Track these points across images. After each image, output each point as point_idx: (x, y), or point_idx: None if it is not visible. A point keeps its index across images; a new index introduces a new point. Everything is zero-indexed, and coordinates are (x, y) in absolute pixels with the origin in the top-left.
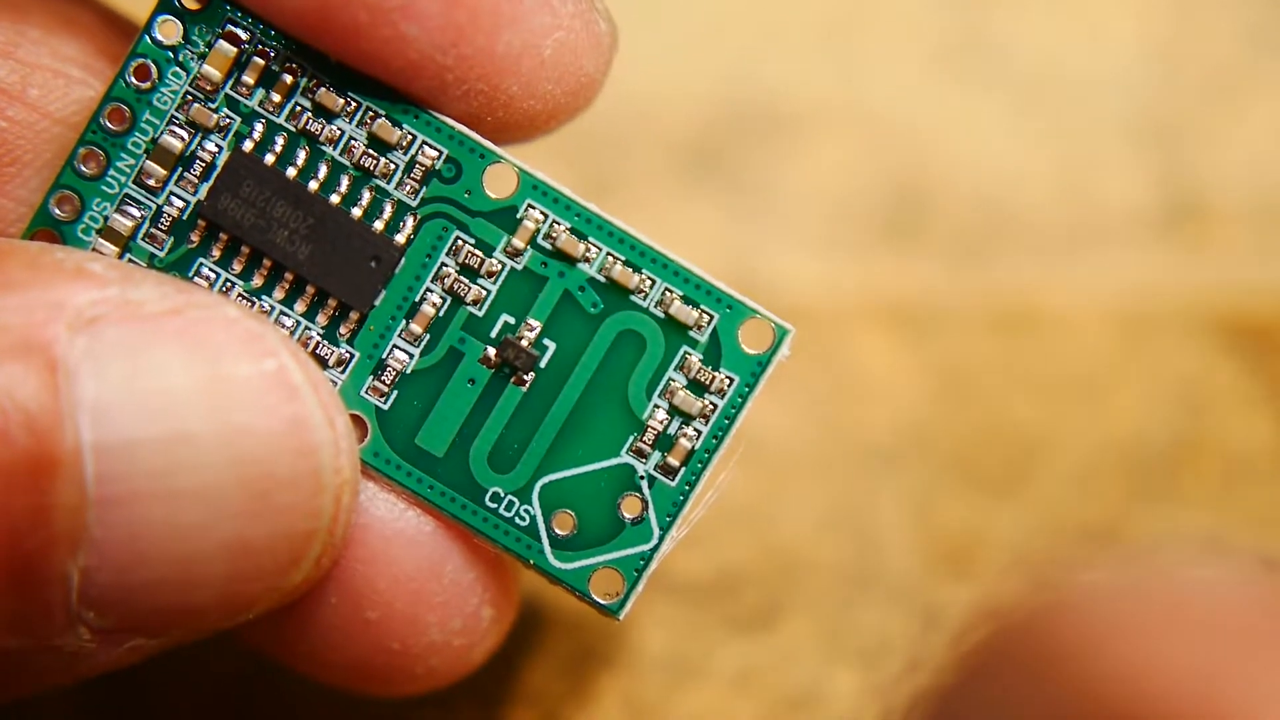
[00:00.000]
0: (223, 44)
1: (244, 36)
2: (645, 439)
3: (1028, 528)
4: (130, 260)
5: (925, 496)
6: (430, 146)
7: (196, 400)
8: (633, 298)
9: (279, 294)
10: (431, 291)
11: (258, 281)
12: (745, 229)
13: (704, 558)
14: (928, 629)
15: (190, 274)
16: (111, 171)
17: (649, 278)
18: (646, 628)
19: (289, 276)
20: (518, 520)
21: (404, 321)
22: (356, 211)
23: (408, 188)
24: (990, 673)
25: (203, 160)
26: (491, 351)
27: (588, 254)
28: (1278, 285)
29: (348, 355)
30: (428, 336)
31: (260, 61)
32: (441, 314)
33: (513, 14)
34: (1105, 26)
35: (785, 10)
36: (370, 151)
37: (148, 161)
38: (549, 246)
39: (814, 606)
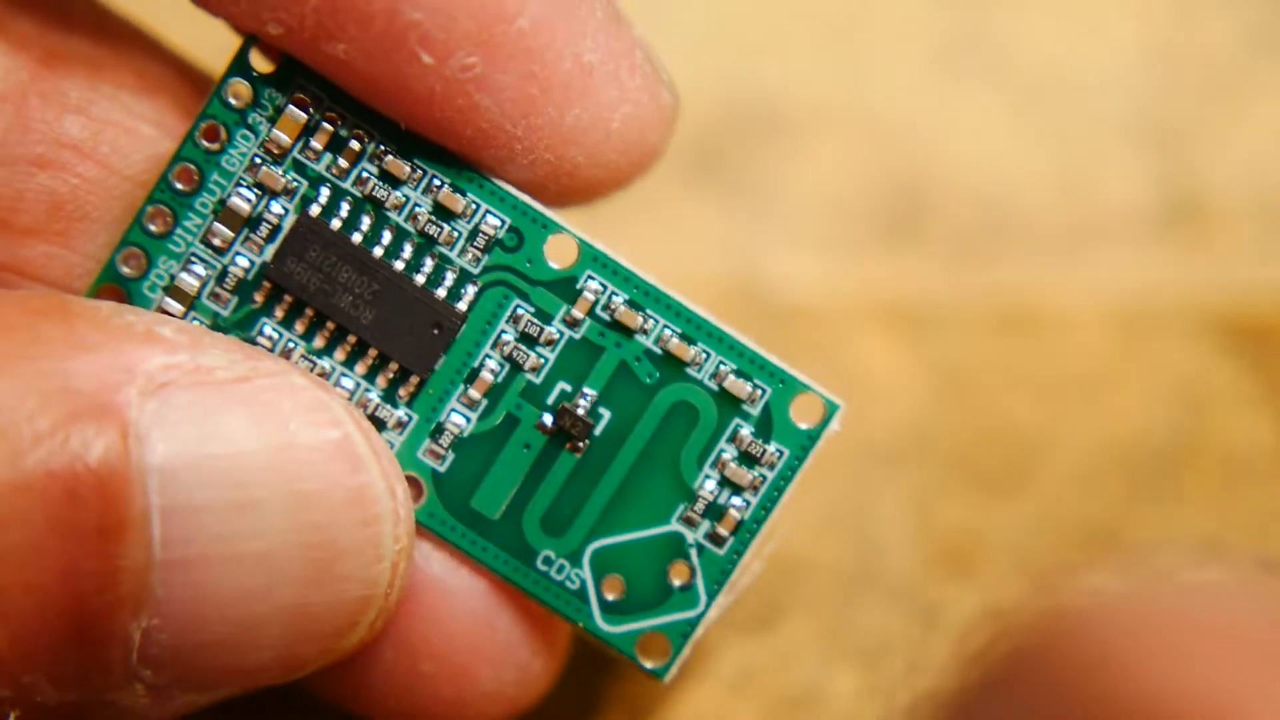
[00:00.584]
0: (292, 109)
1: (313, 102)
2: (696, 508)
3: (1028, 528)
4: (194, 318)
5: (925, 496)
6: (493, 215)
7: (263, 467)
8: (688, 370)
9: (340, 355)
10: (490, 358)
11: (319, 343)
12: (746, 229)
13: None
14: (928, 629)
15: (253, 333)
16: (178, 230)
17: (704, 350)
18: None
19: (351, 339)
20: (568, 583)
21: (463, 386)
22: (419, 278)
23: (470, 255)
24: (1005, 684)
25: (269, 222)
26: (548, 418)
27: (645, 326)
28: (1278, 285)
29: (406, 418)
30: (485, 402)
31: (329, 127)
32: (500, 380)
33: (583, 88)
34: (1105, 27)
35: (786, 11)
36: (434, 219)
37: (215, 222)
38: (607, 318)
39: (814, 606)
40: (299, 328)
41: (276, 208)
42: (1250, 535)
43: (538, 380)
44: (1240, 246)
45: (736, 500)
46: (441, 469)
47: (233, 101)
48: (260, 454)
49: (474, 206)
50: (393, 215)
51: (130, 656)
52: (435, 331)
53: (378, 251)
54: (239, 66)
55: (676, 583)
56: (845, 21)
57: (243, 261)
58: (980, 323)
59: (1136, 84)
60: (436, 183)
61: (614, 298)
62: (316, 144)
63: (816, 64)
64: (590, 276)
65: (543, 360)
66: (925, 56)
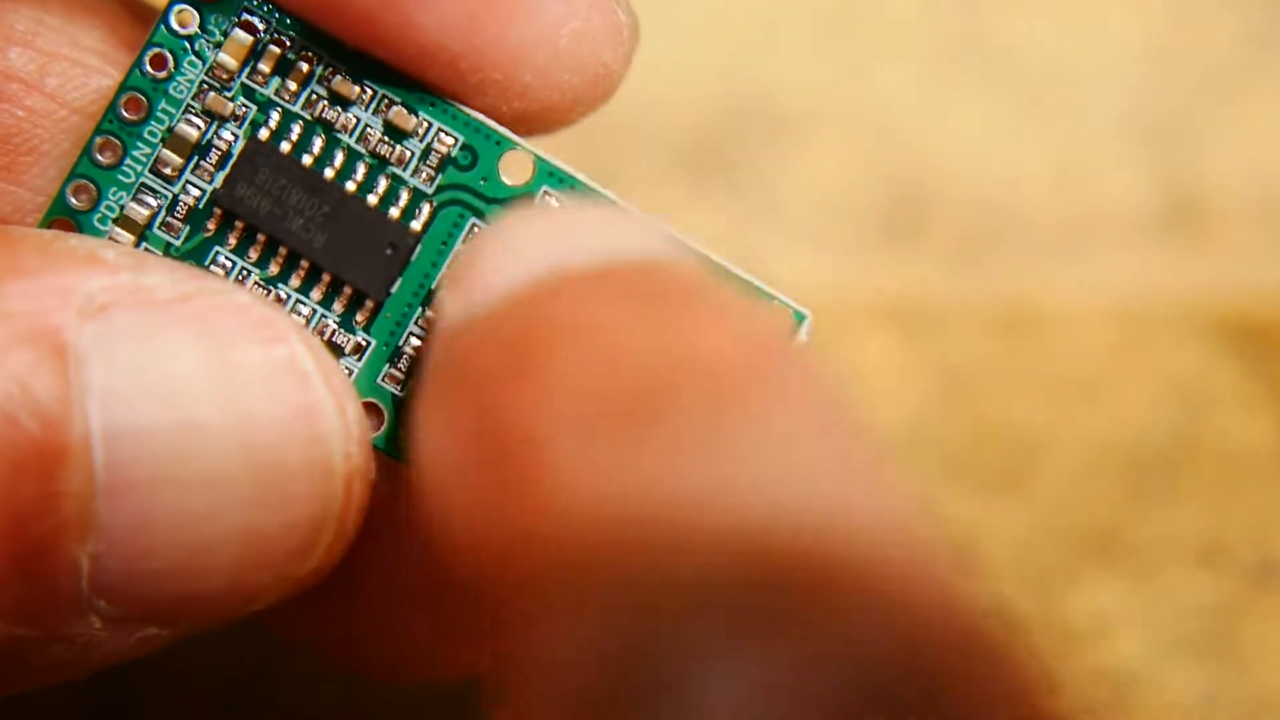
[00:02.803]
0: (239, 32)
1: (260, 25)
2: None
3: (1028, 528)
4: (147, 248)
5: (925, 496)
6: (446, 134)
7: (206, 387)
8: None
9: (295, 281)
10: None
11: (274, 269)
12: (745, 229)
13: None
14: None
15: (207, 262)
16: (128, 161)
17: None
18: None
19: (305, 264)
20: None
21: (420, 309)
22: (373, 199)
23: (424, 175)
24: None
25: (219, 149)
26: None
27: None
28: (1278, 285)
29: (364, 343)
30: None
31: (276, 50)
32: None
33: (527, 3)
34: (1105, 26)
35: (785, 10)
36: (386, 139)
37: (164, 150)
38: None
39: None
40: (253, 254)
41: (226, 134)
42: (1250, 535)
43: None
44: (1240, 246)
45: None
46: (402, 394)
47: (178, 29)
48: (203, 373)
49: (426, 125)
50: (344, 137)
51: (80, 586)
52: (389, 252)
53: (329, 174)
54: None
55: None
56: (845, 21)
57: (194, 190)
58: (981, 323)
59: (1136, 83)
60: (387, 103)
61: None
62: (264, 67)
63: (816, 64)
64: (546, 193)
65: None
66: (925, 56)
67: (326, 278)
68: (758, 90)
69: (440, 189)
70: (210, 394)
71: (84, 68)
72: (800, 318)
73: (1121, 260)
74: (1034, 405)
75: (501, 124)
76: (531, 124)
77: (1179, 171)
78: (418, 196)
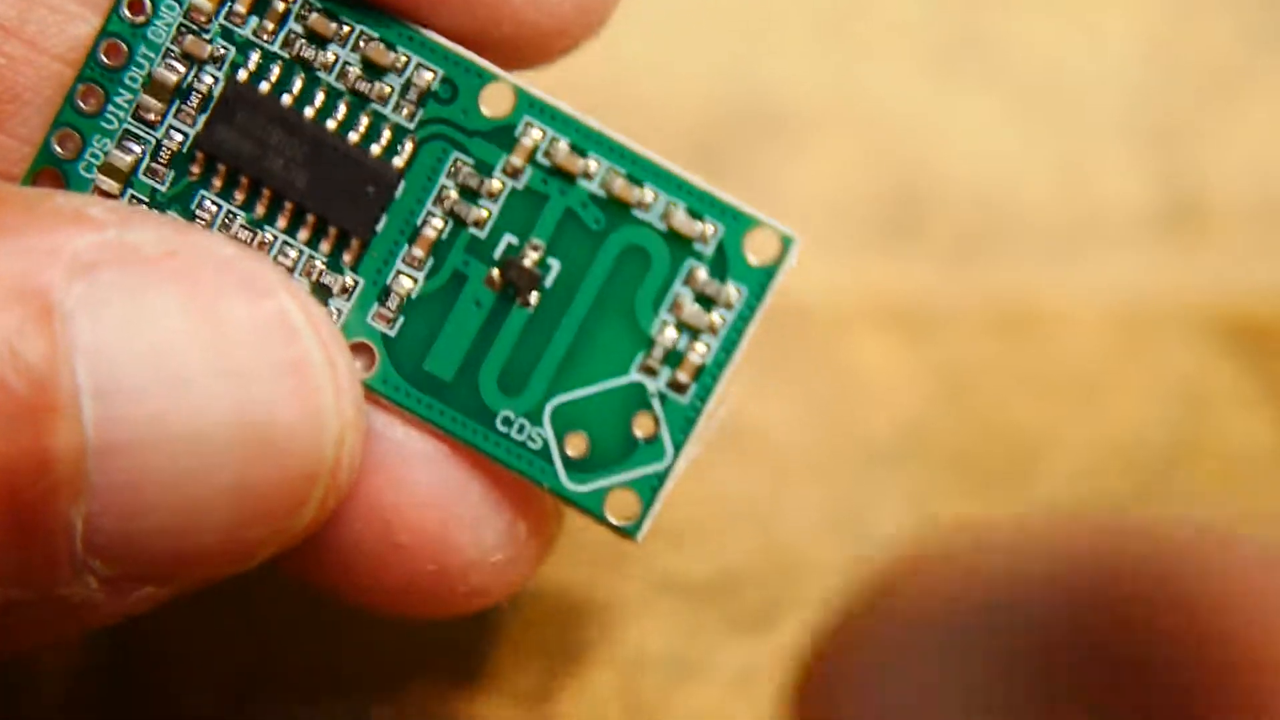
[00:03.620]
0: None
1: None
2: (654, 356)
3: None
4: (133, 195)
5: (925, 497)
6: (425, 68)
7: (194, 343)
8: (635, 213)
9: (281, 224)
10: (433, 215)
11: (260, 212)
12: None
13: (704, 558)
14: None
15: (193, 206)
16: (110, 107)
17: (652, 191)
18: (646, 628)
19: (289, 206)
20: (530, 443)
21: (407, 246)
22: (354, 137)
23: (404, 111)
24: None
25: (199, 92)
26: (495, 273)
27: (588, 170)
28: (1278, 285)
29: (353, 283)
30: (431, 260)
31: None
32: (444, 237)
33: None
34: (1104, 26)
35: (784, 9)
36: (365, 76)
37: (145, 96)
38: (548, 164)
39: (814, 606)
40: (238, 197)
41: (206, 77)
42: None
43: (483, 235)
44: (1240, 246)
45: (697, 344)
46: (392, 333)
47: None
48: (190, 330)
49: (405, 60)
50: (323, 75)
51: (75, 545)
52: (371, 190)
53: (309, 113)
54: None
55: (641, 435)
56: (843, 21)
57: (176, 135)
58: (980, 323)
59: (1136, 84)
60: (365, 39)
61: (555, 143)
62: (240, 8)
63: (815, 63)
64: (529, 123)
65: (486, 213)
66: (924, 56)
67: (312, 219)
68: (756, 90)
69: (421, 124)
70: (198, 351)
71: (63, 14)
72: (788, 241)
73: (1121, 260)
74: (1034, 405)
75: (492, 54)
76: (522, 53)
77: (1179, 172)
78: (399, 132)
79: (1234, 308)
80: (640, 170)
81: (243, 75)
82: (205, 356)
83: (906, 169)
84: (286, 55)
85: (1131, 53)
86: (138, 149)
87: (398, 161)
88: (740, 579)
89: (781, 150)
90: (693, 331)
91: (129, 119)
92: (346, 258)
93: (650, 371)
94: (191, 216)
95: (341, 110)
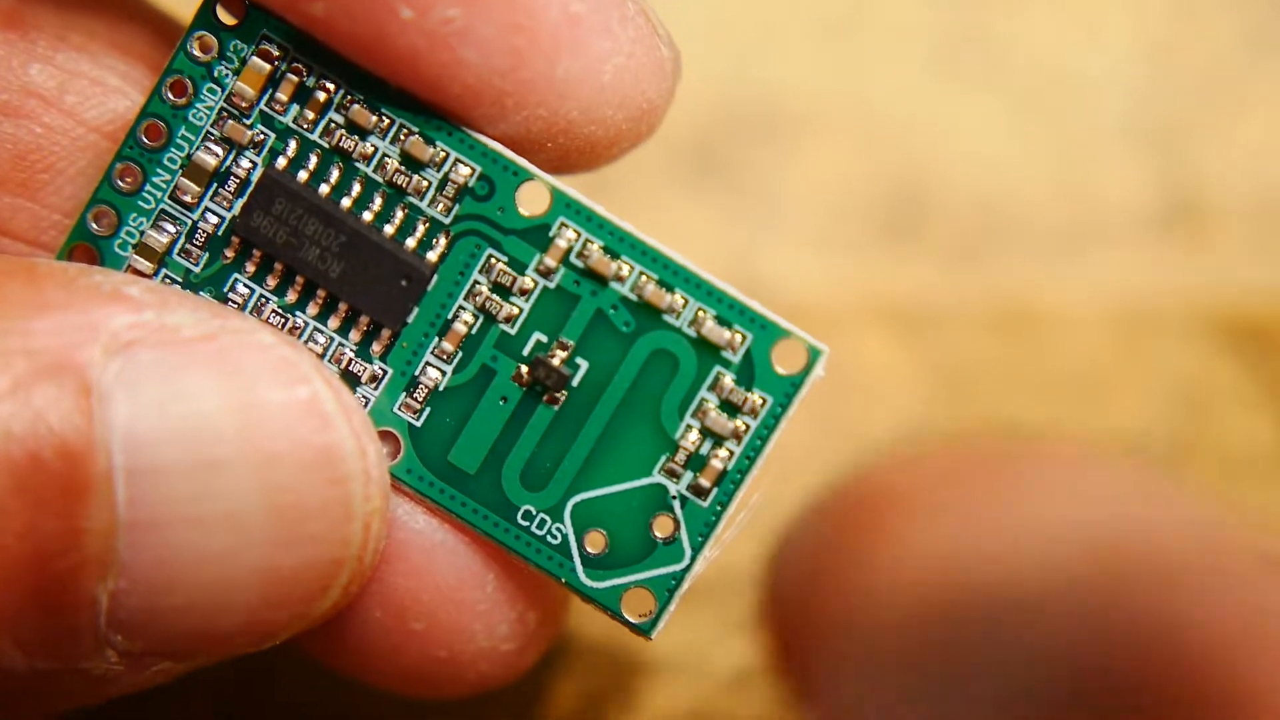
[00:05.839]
0: (257, 60)
1: (278, 53)
2: (677, 459)
3: None
4: (166, 275)
5: None
6: (463, 164)
7: (228, 427)
8: (665, 317)
9: (312, 310)
10: (464, 309)
11: (291, 298)
12: (744, 229)
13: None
14: None
15: (225, 289)
16: (148, 187)
17: (682, 297)
18: None
19: (322, 293)
20: (549, 538)
21: (436, 339)
22: (389, 229)
23: (440, 205)
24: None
25: (237, 177)
26: (524, 370)
27: (620, 273)
28: (1278, 285)
29: (381, 372)
30: (460, 354)
31: (294, 78)
32: (474, 332)
33: (572, 39)
34: (1104, 26)
35: (785, 10)
36: (403, 169)
37: (182, 178)
38: (581, 265)
39: None
40: (270, 282)
41: (244, 162)
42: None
43: (513, 331)
44: (1240, 246)
45: (720, 450)
46: (418, 424)
47: (198, 55)
48: (225, 413)
49: (444, 155)
50: (361, 166)
51: (99, 621)
52: (404, 283)
53: (346, 203)
54: (204, 19)
55: (660, 536)
56: (844, 21)
57: (213, 217)
58: (980, 323)
59: (1136, 84)
60: (405, 132)
61: (588, 244)
62: (282, 95)
63: (816, 64)
64: (564, 224)
65: (517, 310)
66: (924, 56)
67: (343, 308)
68: (757, 91)
69: (457, 219)
70: (232, 434)
71: (103, 87)
72: (815, 353)
73: (1121, 260)
74: (1033, 405)
75: (547, 165)
76: (575, 160)
77: (1179, 172)
78: (434, 226)
79: (1234, 308)
80: (672, 276)
81: (281, 163)
82: (239, 439)
83: (906, 169)
84: (326, 144)
85: (1132, 53)
86: (173, 229)
87: (431, 256)
88: (740, 579)
89: (783, 151)
90: (717, 438)
91: (166, 199)
92: (376, 347)
93: (673, 474)
94: (224, 299)
95: (378, 201)
